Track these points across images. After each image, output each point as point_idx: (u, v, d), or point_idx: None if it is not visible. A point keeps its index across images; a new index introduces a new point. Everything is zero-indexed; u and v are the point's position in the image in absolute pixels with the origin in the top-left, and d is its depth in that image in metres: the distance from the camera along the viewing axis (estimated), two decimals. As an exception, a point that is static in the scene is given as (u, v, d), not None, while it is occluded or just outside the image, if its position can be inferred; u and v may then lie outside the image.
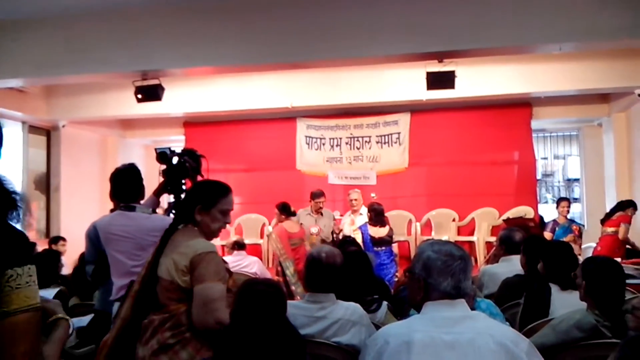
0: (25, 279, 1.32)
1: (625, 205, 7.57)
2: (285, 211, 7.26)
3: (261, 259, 8.02)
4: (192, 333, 2.33)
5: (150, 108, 7.84)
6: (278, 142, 10.52)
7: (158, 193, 3.87)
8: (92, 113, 9.45)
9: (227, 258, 6.64)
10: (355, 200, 7.71)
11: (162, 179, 3.83)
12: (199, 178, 3.92)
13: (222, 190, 2.67)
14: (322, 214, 7.70)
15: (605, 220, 7.78)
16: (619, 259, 6.48)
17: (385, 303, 3.55)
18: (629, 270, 5.11)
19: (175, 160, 3.83)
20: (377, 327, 3.31)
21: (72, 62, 6.60)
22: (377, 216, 7.10)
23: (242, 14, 6.36)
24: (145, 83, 6.87)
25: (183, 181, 3.89)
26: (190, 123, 10.76)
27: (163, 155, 3.81)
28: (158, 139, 11.02)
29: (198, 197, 2.62)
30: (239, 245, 6.80)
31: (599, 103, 9.86)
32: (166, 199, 4.16)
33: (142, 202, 3.63)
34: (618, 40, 6.09)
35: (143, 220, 3.42)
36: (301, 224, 7.39)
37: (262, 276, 6.42)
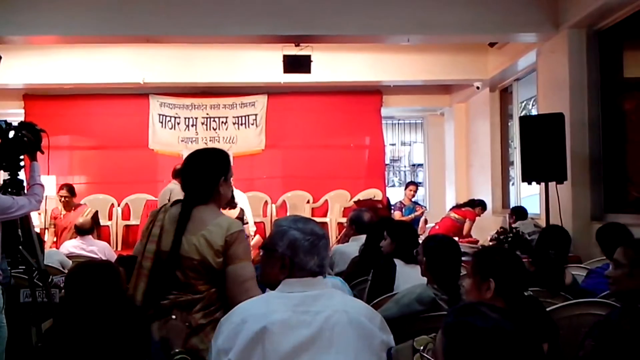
0: None
1: (476, 204, 8.17)
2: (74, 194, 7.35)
3: (109, 242, 7.61)
4: (221, 313, 2.22)
5: (-17, 78, 7.13)
6: (129, 119, 10.00)
7: (-9, 170, 3.54)
8: None
9: (71, 242, 6.20)
10: None
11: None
12: (39, 154, 3.65)
13: (229, 156, 2.58)
14: None
15: (454, 207, 8.39)
16: (455, 238, 7.02)
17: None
18: (464, 248, 5.55)
19: (11, 134, 3.52)
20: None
21: None
22: None
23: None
24: (-22, 49, 6.24)
25: (21, 157, 3.60)
26: (31, 95, 9.87)
27: (-4, 127, 3.49)
28: (-7, 112, 10.02)
29: (220, 168, 2.48)
30: (81, 232, 6.12)
31: (442, 94, 10.58)
32: (2, 176, 3.83)
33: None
34: (460, 35, 6.57)
35: (-27, 199, 3.11)
36: None
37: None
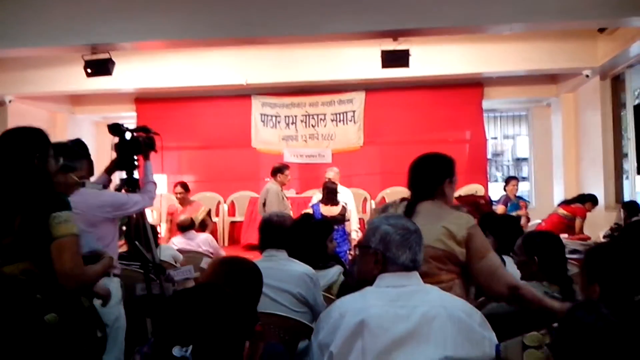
0: (65, 218, 2.13)
1: (586, 199, 7.74)
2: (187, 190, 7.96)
3: (216, 238, 7.94)
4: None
5: (100, 83, 7.66)
6: (233, 119, 10.41)
7: (110, 171, 3.79)
8: (40, 88, 9.11)
9: (176, 238, 6.54)
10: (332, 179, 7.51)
11: (114, 156, 3.75)
12: (152, 154, 3.86)
13: (453, 162, 2.71)
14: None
15: (562, 203, 7.99)
16: (565, 235, 6.71)
17: (339, 267, 3.62)
18: (575, 245, 5.31)
19: (128, 135, 3.75)
20: (329, 288, 3.37)
21: (19, 35, 6.35)
22: (329, 194, 7.01)
23: (196, -13, 6.24)
24: (95, 57, 6.70)
25: (135, 157, 3.82)
26: (142, 99, 10.52)
27: (116, 127, 3.72)
28: (109, 116, 10.72)
29: (447, 171, 2.64)
30: (182, 228, 6.50)
31: (548, 84, 10.10)
32: (118, 176, 4.08)
33: (91, 178, 3.54)
34: (566, 21, 6.24)
35: (92, 196, 3.33)
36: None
37: (215, 253, 6.38)
